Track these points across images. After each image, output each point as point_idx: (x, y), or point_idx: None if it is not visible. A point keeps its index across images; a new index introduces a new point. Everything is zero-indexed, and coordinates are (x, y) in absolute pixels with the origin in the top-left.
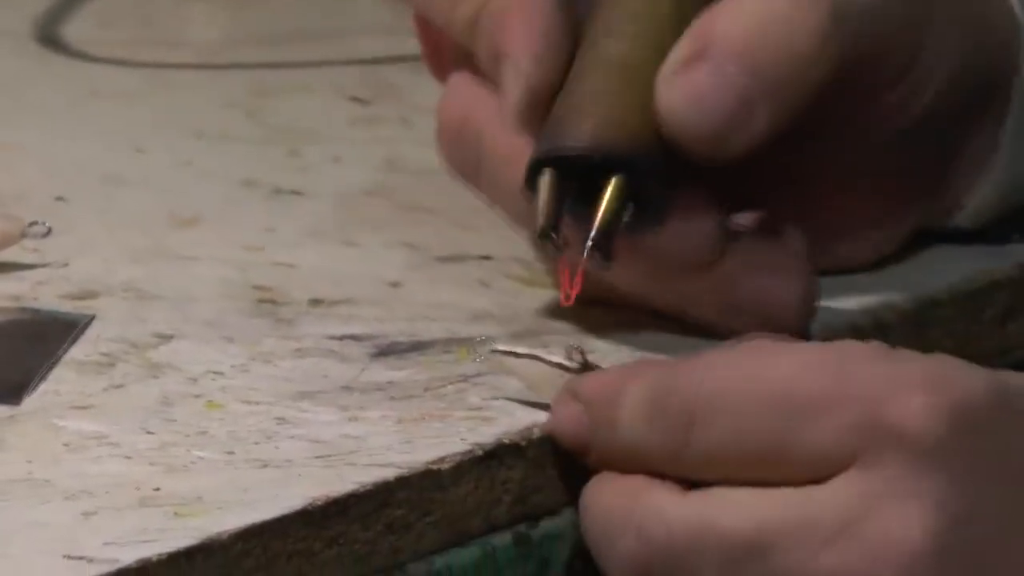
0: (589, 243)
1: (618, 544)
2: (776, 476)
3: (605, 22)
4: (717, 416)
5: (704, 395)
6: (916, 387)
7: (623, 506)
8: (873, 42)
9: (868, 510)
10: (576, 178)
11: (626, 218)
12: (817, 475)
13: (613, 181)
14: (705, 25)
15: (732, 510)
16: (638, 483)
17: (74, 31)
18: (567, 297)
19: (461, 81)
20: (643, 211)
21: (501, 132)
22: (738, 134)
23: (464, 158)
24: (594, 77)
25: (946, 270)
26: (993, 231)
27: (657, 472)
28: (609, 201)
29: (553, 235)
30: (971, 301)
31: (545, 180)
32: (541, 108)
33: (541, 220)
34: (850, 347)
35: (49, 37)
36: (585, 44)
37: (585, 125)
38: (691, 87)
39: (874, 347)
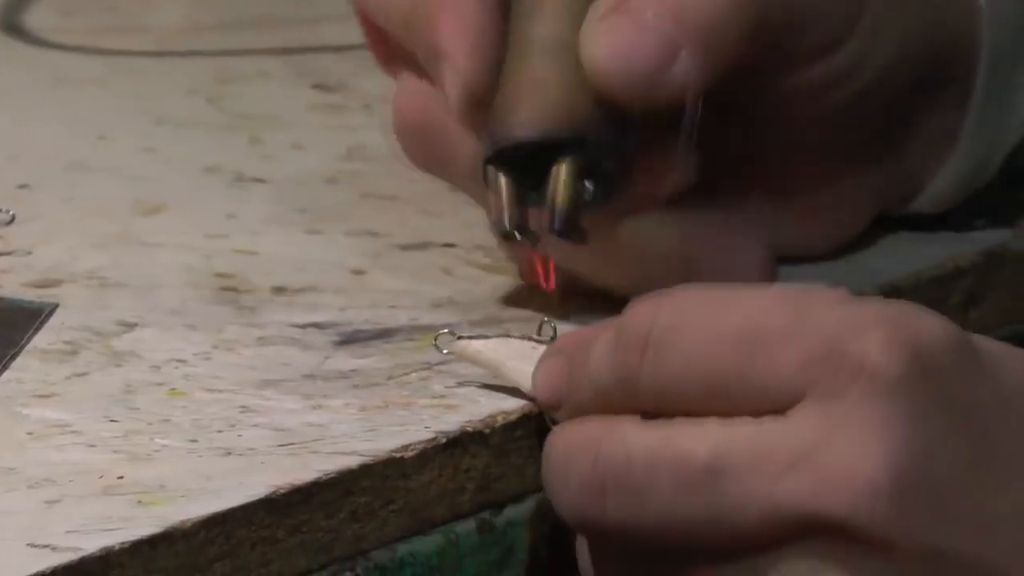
0: (554, 231)
1: (575, 470)
2: (732, 408)
3: (521, 4)
4: (670, 346)
5: (659, 326)
6: (877, 324)
7: (584, 437)
8: (800, 4)
9: (827, 440)
10: (533, 167)
11: (588, 197)
12: (774, 407)
13: (560, 164)
14: None
15: (691, 434)
16: (602, 418)
17: (37, 18)
18: (546, 288)
19: (412, 79)
20: (603, 185)
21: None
22: (666, 79)
23: (431, 152)
24: (523, 62)
25: (910, 256)
26: (957, 217)
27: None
28: (563, 184)
29: (517, 234)
30: (935, 288)
31: (499, 181)
32: (483, 103)
33: (504, 222)
34: (813, 289)
35: (11, 25)
36: (511, 28)
37: (521, 115)
38: (613, 36)
39: (837, 291)
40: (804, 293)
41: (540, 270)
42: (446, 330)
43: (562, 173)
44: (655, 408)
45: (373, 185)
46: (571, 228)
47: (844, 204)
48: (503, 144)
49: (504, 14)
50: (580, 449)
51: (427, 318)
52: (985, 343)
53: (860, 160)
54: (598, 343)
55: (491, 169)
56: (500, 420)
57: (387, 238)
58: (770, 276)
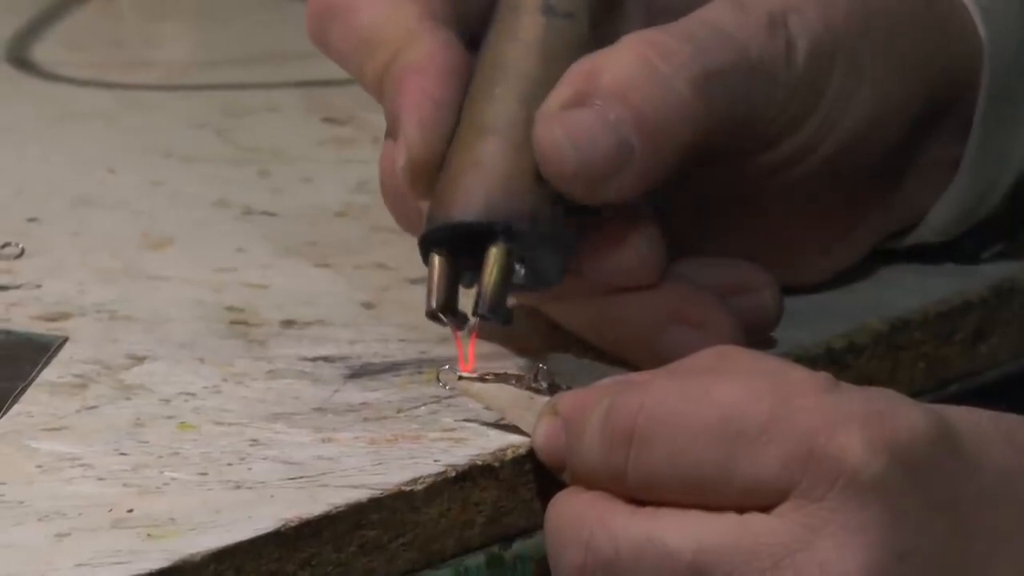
0: (475, 318)
1: (567, 555)
2: (716, 502)
3: (476, 84)
4: (655, 439)
5: (644, 417)
6: (858, 421)
7: (577, 518)
8: (746, 106)
9: (807, 542)
10: (471, 246)
11: (519, 281)
12: (757, 503)
13: (492, 250)
14: (585, 72)
15: (676, 530)
16: (595, 498)
17: (45, 52)
18: (464, 365)
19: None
20: (538, 268)
21: None
22: (616, 176)
23: (407, 213)
24: (470, 141)
25: (918, 290)
26: (963, 250)
27: (611, 490)
28: (493, 269)
29: (442, 315)
30: (943, 322)
31: (432, 260)
32: (425, 177)
33: (431, 301)
34: (795, 377)
35: (20, 59)
36: (464, 105)
37: (460, 196)
38: (573, 126)
39: (819, 378)
40: (785, 382)
41: (459, 350)
42: (447, 366)
43: (493, 257)
44: (643, 497)
45: (382, 218)
46: (496, 311)
47: (840, 238)
48: (439, 224)
49: (464, 91)
50: (573, 531)
51: (436, 351)
52: (968, 427)
53: (855, 196)
54: (591, 424)
55: (425, 248)
56: (510, 454)
57: (396, 271)
58: (740, 340)
